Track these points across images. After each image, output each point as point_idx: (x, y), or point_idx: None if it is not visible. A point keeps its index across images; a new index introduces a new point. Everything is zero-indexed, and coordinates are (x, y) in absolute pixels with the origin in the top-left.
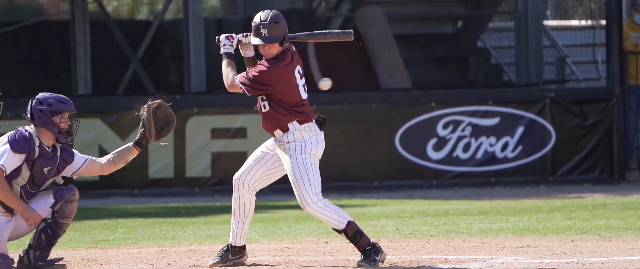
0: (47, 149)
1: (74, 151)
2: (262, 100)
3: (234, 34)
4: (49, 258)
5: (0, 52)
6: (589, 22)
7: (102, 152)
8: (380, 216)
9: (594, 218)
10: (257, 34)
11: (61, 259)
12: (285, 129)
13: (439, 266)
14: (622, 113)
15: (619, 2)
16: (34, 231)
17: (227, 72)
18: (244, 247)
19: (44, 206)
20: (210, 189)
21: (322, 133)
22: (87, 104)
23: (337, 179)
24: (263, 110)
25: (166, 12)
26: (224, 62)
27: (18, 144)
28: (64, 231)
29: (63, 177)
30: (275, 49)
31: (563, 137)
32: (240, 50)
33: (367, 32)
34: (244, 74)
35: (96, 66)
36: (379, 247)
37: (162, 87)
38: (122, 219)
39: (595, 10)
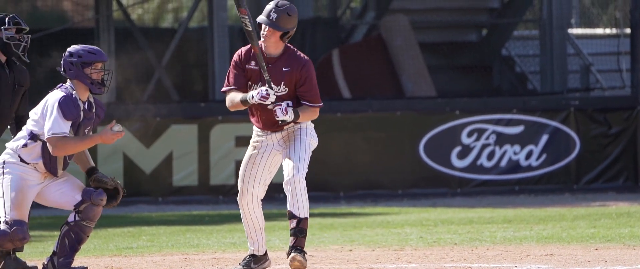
0: (86, 107)
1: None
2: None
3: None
4: (73, 266)
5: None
6: (614, 31)
7: (127, 160)
8: (404, 224)
9: (618, 226)
10: (266, 15)
11: (85, 268)
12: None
13: None
14: None
15: None
16: (58, 237)
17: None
18: (265, 253)
19: (70, 198)
20: (234, 197)
21: None
22: (112, 112)
23: (360, 187)
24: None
25: (191, 19)
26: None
27: (69, 111)
28: (88, 236)
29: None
30: (275, 37)
31: (587, 146)
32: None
33: (391, 40)
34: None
35: (121, 73)
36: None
37: (187, 95)
38: (146, 227)
39: (620, 18)
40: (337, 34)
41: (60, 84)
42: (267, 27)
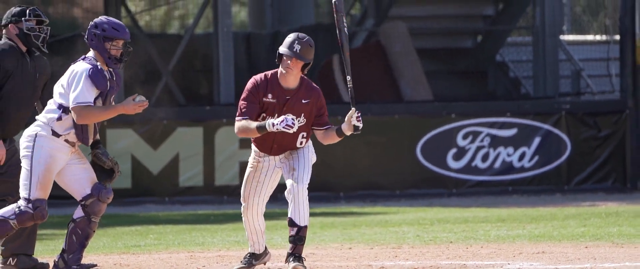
0: (109, 76)
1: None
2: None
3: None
4: (83, 263)
5: None
6: (604, 37)
7: (135, 161)
8: (402, 223)
9: (607, 225)
10: (288, 47)
11: (95, 265)
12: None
13: None
14: (635, 125)
15: (633, 18)
16: (65, 234)
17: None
18: (265, 248)
19: (81, 188)
20: (238, 197)
21: None
22: (120, 115)
23: (360, 188)
24: (301, 123)
25: (196, 26)
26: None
27: (99, 82)
28: (94, 231)
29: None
30: (297, 69)
31: (578, 148)
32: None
33: (390, 46)
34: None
35: (129, 78)
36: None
37: (192, 99)
38: (154, 226)
39: (610, 25)
40: (337, 39)
41: (84, 56)
42: (291, 58)
